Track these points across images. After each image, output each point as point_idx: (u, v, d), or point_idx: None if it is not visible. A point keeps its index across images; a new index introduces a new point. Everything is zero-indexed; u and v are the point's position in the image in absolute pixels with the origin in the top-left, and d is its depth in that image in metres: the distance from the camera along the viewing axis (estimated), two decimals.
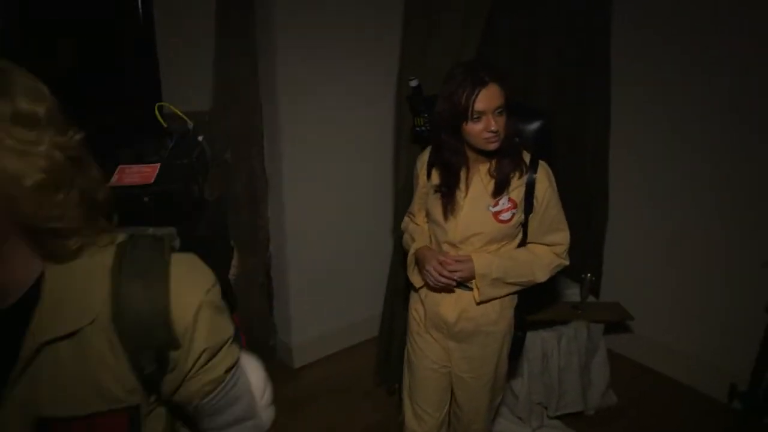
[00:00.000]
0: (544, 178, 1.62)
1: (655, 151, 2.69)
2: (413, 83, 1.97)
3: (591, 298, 2.62)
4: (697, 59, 2.47)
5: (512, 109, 1.54)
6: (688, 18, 2.47)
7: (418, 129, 2.00)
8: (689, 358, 2.71)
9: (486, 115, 1.49)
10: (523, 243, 1.71)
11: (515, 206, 1.61)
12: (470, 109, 1.48)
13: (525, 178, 1.60)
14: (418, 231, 1.82)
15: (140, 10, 2.09)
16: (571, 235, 1.68)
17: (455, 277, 1.61)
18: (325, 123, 2.67)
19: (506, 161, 1.59)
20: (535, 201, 1.61)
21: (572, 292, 2.64)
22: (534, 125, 1.78)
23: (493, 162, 1.60)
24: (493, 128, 1.49)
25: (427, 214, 1.76)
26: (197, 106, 2.43)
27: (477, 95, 1.47)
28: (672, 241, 2.70)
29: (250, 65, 2.51)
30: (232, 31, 2.42)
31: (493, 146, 1.53)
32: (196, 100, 2.42)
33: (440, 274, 1.62)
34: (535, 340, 2.31)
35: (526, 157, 1.63)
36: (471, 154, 1.61)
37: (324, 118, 2.66)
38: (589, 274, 2.52)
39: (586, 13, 2.60)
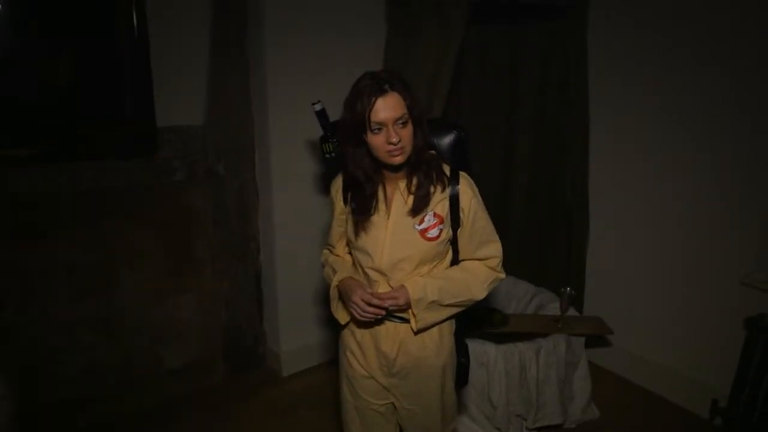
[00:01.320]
0: (467, 189, 1.53)
1: (637, 167, 2.73)
2: (317, 107, 1.87)
3: (573, 312, 2.66)
4: (677, 77, 2.51)
5: (422, 122, 1.45)
6: (666, 33, 2.53)
7: (327, 155, 1.90)
8: (671, 373, 2.72)
9: (386, 126, 1.39)
10: (455, 261, 1.62)
11: (441, 221, 1.51)
12: (367, 118, 1.37)
13: (447, 191, 1.52)
14: (339, 262, 1.68)
15: (135, 26, 2.18)
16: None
17: (387, 306, 1.48)
18: (314, 133, 2.74)
19: (422, 175, 1.50)
20: (461, 213, 1.53)
21: (555, 306, 2.68)
22: (449, 137, 1.72)
23: (413, 178, 1.51)
24: (393, 140, 1.38)
25: (349, 242, 1.63)
26: (190, 121, 2.54)
27: (374, 104, 1.37)
28: (653, 257, 2.73)
29: (241, 80, 2.63)
30: (225, 47, 2.53)
31: (397, 160, 1.42)
32: (189, 114, 2.53)
33: (368, 304, 1.48)
34: (513, 351, 2.35)
35: (447, 170, 1.55)
36: (386, 172, 1.51)
37: (314, 131, 2.73)
38: (568, 288, 2.56)
39: (564, 34, 2.66)
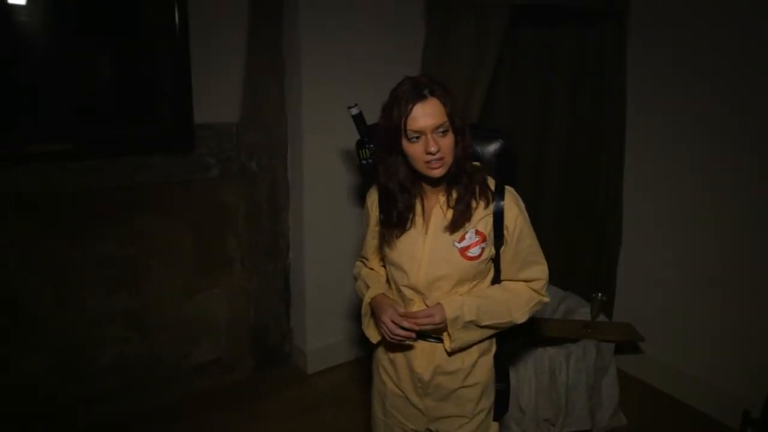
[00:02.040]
0: (513, 205, 1.43)
1: (672, 172, 2.70)
2: (353, 111, 1.78)
3: (603, 318, 2.64)
4: (716, 83, 2.49)
5: (464, 131, 1.35)
6: (707, 41, 2.50)
7: (363, 161, 1.82)
8: (701, 383, 2.69)
9: (425, 134, 1.29)
10: (496, 280, 1.52)
11: (484, 239, 1.41)
12: (404, 125, 1.29)
13: (492, 206, 1.41)
14: (372, 276, 1.59)
15: (176, 24, 2.22)
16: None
17: (420, 327, 1.39)
18: (348, 135, 2.76)
19: (463, 189, 1.39)
20: (505, 231, 1.43)
21: (584, 311, 2.66)
22: (492, 147, 1.60)
23: (453, 191, 1.40)
24: (432, 149, 1.28)
25: (384, 257, 1.53)
26: (226, 118, 2.57)
27: (412, 110, 1.27)
28: (686, 264, 2.70)
29: (277, 80, 2.65)
30: (262, 47, 2.56)
31: (436, 172, 1.32)
32: (225, 112, 2.56)
33: (398, 326, 1.39)
34: (543, 356, 2.34)
35: (492, 184, 1.44)
36: (425, 184, 1.42)
37: (346, 130, 2.75)
38: (600, 294, 2.54)
39: (600, 42, 2.64)
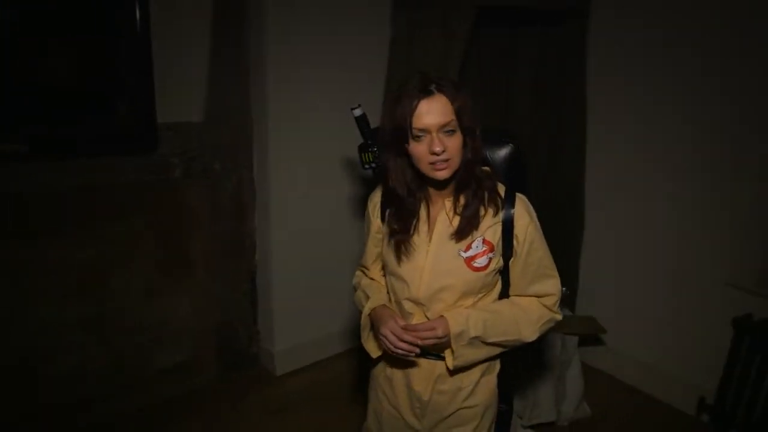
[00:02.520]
0: (523, 214, 1.33)
1: (631, 169, 2.79)
2: (357, 112, 1.67)
3: (566, 312, 2.71)
4: (676, 81, 2.57)
5: (474, 133, 1.27)
6: (666, 40, 2.59)
7: (366, 167, 1.70)
8: (660, 372, 2.79)
9: (430, 133, 1.21)
10: (504, 294, 1.42)
11: (492, 249, 1.31)
12: (409, 123, 1.21)
13: (501, 214, 1.32)
14: (373, 287, 1.50)
15: (137, 21, 2.15)
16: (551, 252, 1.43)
17: (422, 341, 1.28)
18: (314, 134, 2.76)
19: (471, 194, 1.30)
20: (515, 241, 1.33)
21: None
22: (503, 152, 1.51)
23: (461, 197, 1.32)
24: (436, 149, 1.19)
25: (384, 266, 1.45)
26: (189, 117, 2.51)
27: (417, 107, 1.20)
28: (644, 258, 2.80)
29: (242, 79, 2.61)
30: (226, 46, 2.51)
31: (441, 174, 1.24)
32: (188, 111, 2.50)
33: (400, 339, 1.28)
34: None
35: (501, 191, 1.35)
36: (431, 188, 1.33)
37: (313, 129, 2.75)
38: (563, 288, 2.60)
39: (561, 41, 2.70)
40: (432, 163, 1.23)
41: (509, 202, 1.33)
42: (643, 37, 2.64)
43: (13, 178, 2.12)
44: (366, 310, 1.43)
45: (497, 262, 1.34)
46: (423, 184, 1.34)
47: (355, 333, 2.85)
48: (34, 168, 2.15)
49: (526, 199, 1.38)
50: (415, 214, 1.35)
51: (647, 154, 2.72)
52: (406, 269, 1.36)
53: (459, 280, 1.32)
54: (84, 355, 2.42)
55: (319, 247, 2.93)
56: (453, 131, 1.22)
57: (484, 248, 1.31)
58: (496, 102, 2.99)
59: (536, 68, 2.77)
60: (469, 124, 1.25)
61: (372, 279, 1.55)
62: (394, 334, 1.28)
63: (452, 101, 1.22)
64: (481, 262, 1.31)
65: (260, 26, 2.51)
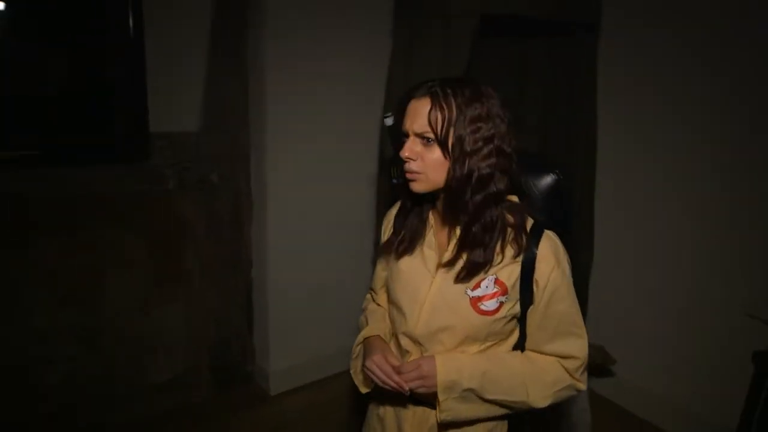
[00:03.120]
0: (548, 256, 1.11)
1: (642, 194, 2.65)
2: (388, 121, 1.56)
3: None
4: (688, 101, 2.45)
5: (463, 153, 1.07)
6: (677, 51, 2.46)
7: (394, 180, 1.54)
8: (674, 406, 2.62)
9: (408, 137, 1.10)
10: (519, 347, 1.20)
11: (505, 291, 1.11)
12: (402, 123, 1.12)
13: (523, 254, 1.11)
14: (377, 314, 1.34)
15: (130, 27, 2.11)
16: None
17: (410, 387, 1.11)
18: (312, 145, 2.68)
19: (479, 227, 1.09)
20: (534, 287, 1.12)
21: None
22: (544, 182, 1.28)
23: (456, 226, 1.13)
24: (404, 153, 1.08)
25: (388, 291, 1.30)
26: (185, 127, 2.46)
27: (407, 106, 1.11)
28: (658, 286, 2.64)
29: (240, 88, 2.55)
30: (224, 54, 2.46)
31: (413, 186, 1.11)
32: (184, 120, 2.45)
33: (387, 376, 1.12)
34: None
35: (528, 224, 1.14)
36: (432, 208, 1.20)
37: (312, 140, 2.67)
38: None
39: (573, 50, 2.59)
40: (406, 171, 1.11)
41: (535, 238, 1.12)
42: (652, 48, 2.52)
43: (4, 186, 2.08)
44: (359, 338, 1.29)
45: (511, 308, 1.13)
46: (428, 202, 1.18)
47: None
48: (22, 177, 2.12)
49: (557, 240, 1.15)
50: (418, 234, 1.20)
51: (660, 173, 2.58)
52: (405, 300, 1.19)
53: (461, 322, 1.13)
54: (75, 365, 2.36)
55: (318, 261, 2.84)
56: (429, 141, 1.08)
57: (496, 290, 1.11)
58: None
59: (544, 83, 2.66)
60: (456, 139, 1.06)
61: (379, 305, 1.39)
62: (381, 370, 1.12)
63: (435, 107, 1.06)
64: (489, 305, 1.11)
65: (259, 36, 2.46)
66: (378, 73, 2.56)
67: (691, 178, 2.47)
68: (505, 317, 1.13)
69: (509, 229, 1.11)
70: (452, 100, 1.05)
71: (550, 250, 1.12)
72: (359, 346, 1.30)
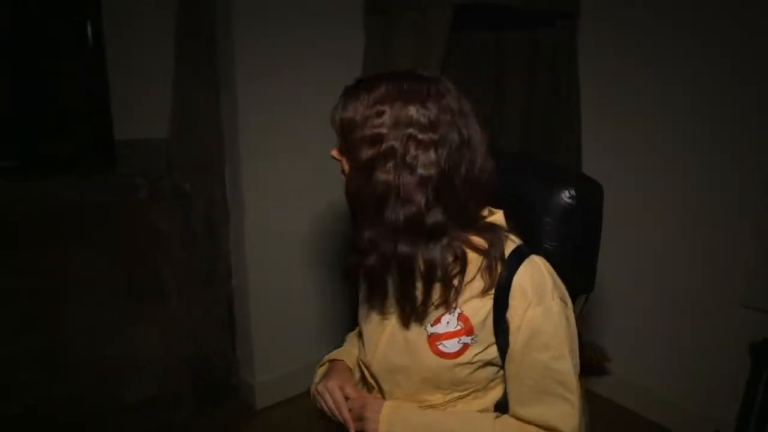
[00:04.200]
0: (525, 289, 0.89)
1: (632, 188, 2.59)
2: None
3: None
4: (673, 87, 2.39)
5: (369, 164, 0.93)
6: (659, 41, 2.41)
7: None
8: (671, 402, 2.57)
9: None
10: (503, 407, 0.97)
11: (469, 331, 0.91)
12: None
13: (496, 285, 0.90)
14: (353, 339, 1.21)
15: (89, 35, 2.00)
16: None
17: (353, 428, 0.98)
18: (289, 151, 2.58)
19: (435, 251, 0.89)
20: (508, 327, 0.91)
21: None
22: (556, 199, 1.02)
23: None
24: (332, 154, 0.97)
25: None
26: (153, 134, 2.35)
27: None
28: (652, 281, 2.59)
29: (211, 93, 2.45)
30: (193, 59, 2.36)
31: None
32: (152, 127, 2.34)
33: (337, 407, 1.00)
34: None
35: (507, 247, 0.92)
36: None
37: (289, 146, 2.58)
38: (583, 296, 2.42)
39: (552, 40, 2.53)
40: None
41: (511, 267, 0.89)
42: (632, 36, 2.47)
43: None
44: (323, 360, 1.17)
45: (480, 352, 0.92)
46: None
47: None
48: None
49: (545, 269, 0.92)
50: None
51: (650, 166, 2.52)
52: (366, 328, 1.04)
53: (415, 363, 0.94)
54: (37, 393, 2.22)
55: (299, 272, 2.74)
56: (341, 152, 0.97)
57: (458, 327, 0.90)
58: (482, 109, 2.82)
59: (526, 72, 2.59)
60: (355, 149, 0.91)
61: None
62: (332, 398, 1.01)
63: (357, 106, 0.92)
64: (449, 345, 0.91)
65: (228, 37, 2.36)
66: (352, 70, 2.47)
67: (681, 170, 2.41)
68: (472, 363, 0.92)
69: (478, 257, 0.90)
70: (349, 102, 0.96)
71: (528, 282, 0.89)
72: (323, 367, 1.16)
